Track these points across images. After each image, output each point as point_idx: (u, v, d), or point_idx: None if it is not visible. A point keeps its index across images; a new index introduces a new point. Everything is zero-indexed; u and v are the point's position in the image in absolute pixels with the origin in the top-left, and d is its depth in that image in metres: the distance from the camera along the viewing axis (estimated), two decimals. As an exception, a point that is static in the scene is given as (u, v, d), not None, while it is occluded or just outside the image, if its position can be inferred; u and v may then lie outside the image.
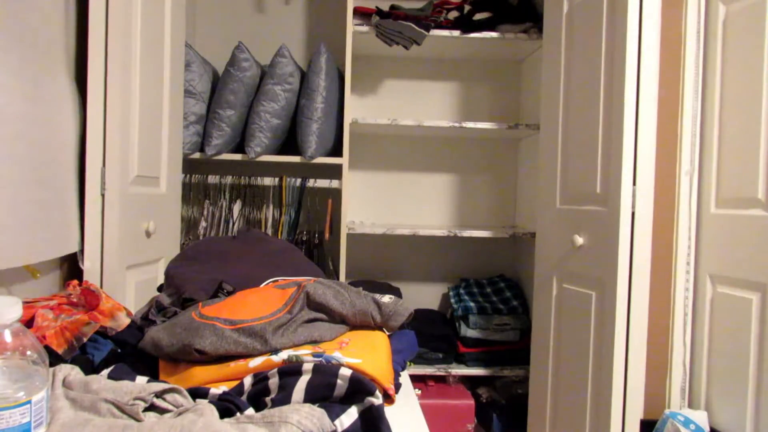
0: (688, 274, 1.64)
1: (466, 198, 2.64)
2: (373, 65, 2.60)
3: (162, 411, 0.65)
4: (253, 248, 1.19)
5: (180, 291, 1.00)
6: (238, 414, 0.65)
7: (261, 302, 0.90)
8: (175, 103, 1.80)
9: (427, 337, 2.27)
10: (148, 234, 1.60)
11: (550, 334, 1.90)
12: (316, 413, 0.62)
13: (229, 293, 1.03)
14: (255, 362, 0.78)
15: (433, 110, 2.62)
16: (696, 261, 1.64)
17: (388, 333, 0.95)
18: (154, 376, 0.80)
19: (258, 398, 0.70)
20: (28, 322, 0.84)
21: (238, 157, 2.24)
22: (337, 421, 0.64)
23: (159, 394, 0.65)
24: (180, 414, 0.63)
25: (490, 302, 2.33)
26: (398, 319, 0.92)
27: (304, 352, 0.78)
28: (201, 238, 2.30)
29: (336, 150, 2.31)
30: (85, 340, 0.83)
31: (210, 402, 0.66)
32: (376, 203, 2.63)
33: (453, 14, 2.30)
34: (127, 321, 0.92)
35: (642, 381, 1.56)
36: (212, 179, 2.29)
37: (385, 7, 2.30)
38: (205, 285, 1.02)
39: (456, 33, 2.23)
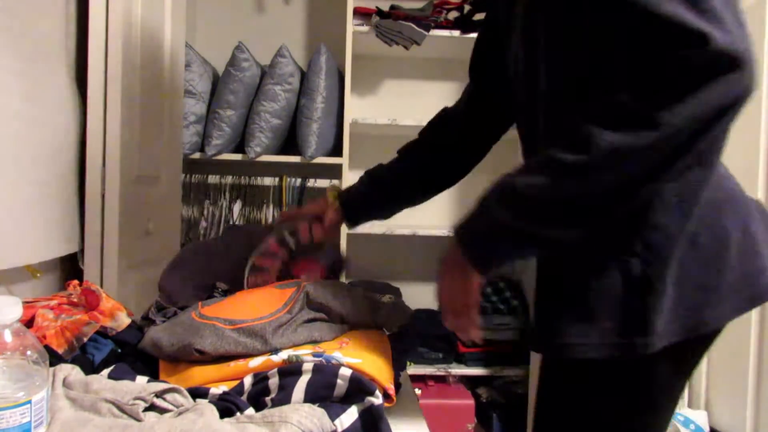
0: (688, 274, 1.64)
1: (466, 198, 2.64)
2: (373, 65, 2.60)
3: (162, 411, 0.65)
4: (239, 243, 1.18)
5: (173, 301, 1.01)
6: (238, 414, 0.65)
7: (261, 302, 0.90)
8: (175, 103, 1.80)
9: (427, 337, 2.27)
10: (148, 234, 1.60)
11: (550, 334, 1.89)
12: (316, 413, 0.62)
13: (225, 291, 1.03)
14: (255, 362, 0.78)
15: (433, 110, 2.59)
16: (696, 261, 1.64)
17: (388, 333, 0.95)
18: (154, 376, 0.80)
19: (258, 398, 0.70)
20: (28, 322, 0.84)
21: (238, 157, 2.24)
22: (337, 421, 0.64)
23: (159, 394, 0.65)
24: (180, 414, 0.63)
25: (489, 302, 2.33)
26: (398, 320, 0.92)
27: (304, 352, 0.78)
28: (201, 238, 2.30)
29: (336, 150, 2.31)
30: (85, 340, 0.83)
31: (210, 402, 0.66)
32: (376, 203, 2.63)
33: (453, 14, 2.30)
34: (127, 321, 0.92)
35: (642, 381, 1.56)
36: (212, 179, 2.29)
37: (385, 7, 2.30)
38: (196, 291, 1.02)
39: (456, 33, 2.23)
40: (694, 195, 0.72)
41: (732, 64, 0.60)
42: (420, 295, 2.64)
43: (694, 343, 0.76)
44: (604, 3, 0.68)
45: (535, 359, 2.01)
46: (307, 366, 0.72)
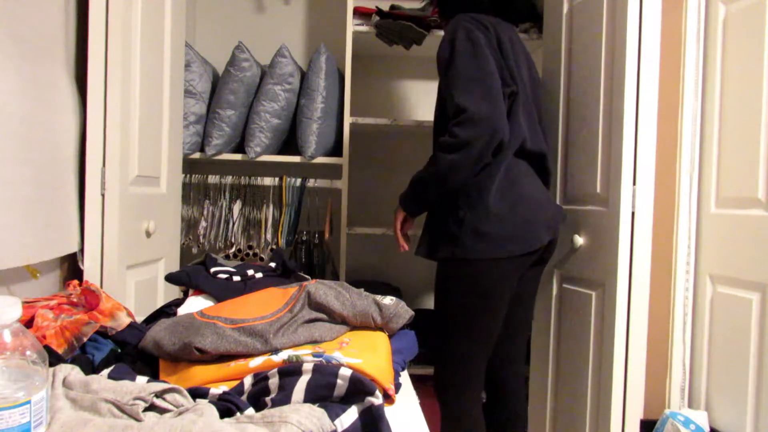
0: (688, 274, 1.64)
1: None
2: (373, 65, 2.61)
3: (162, 411, 0.65)
4: None
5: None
6: (238, 414, 0.65)
7: (262, 302, 0.90)
8: (175, 103, 1.80)
9: (427, 337, 2.26)
10: (148, 234, 1.60)
11: (550, 334, 1.90)
12: (316, 413, 0.62)
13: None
14: (255, 362, 0.78)
15: (433, 110, 2.62)
16: (696, 261, 1.64)
17: (388, 333, 0.95)
18: (154, 376, 0.80)
19: (258, 398, 0.70)
20: (28, 322, 0.84)
21: (238, 157, 2.24)
22: (337, 421, 0.64)
23: (159, 394, 0.65)
24: (180, 414, 0.63)
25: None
26: (399, 321, 0.92)
27: (305, 352, 0.78)
28: (201, 238, 2.30)
29: (336, 150, 2.31)
30: (85, 339, 0.83)
31: (210, 402, 0.66)
32: (376, 203, 2.63)
33: (453, 14, 2.30)
34: (127, 321, 0.92)
35: (642, 381, 1.56)
36: (212, 179, 2.29)
37: (385, 7, 2.30)
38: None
39: (456, 33, 2.23)
40: (484, 187, 1.45)
41: (474, 119, 1.38)
42: (420, 295, 2.64)
43: (494, 264, 1.44)
44: (442, 87, 1.55)
45: (535, 360, 2.02)
46: (307, 366, 0.72)
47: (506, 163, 1.48)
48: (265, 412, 0.62)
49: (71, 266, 1.42)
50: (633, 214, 1.53)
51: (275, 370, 0.73)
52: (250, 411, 0.66)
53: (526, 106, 1.55)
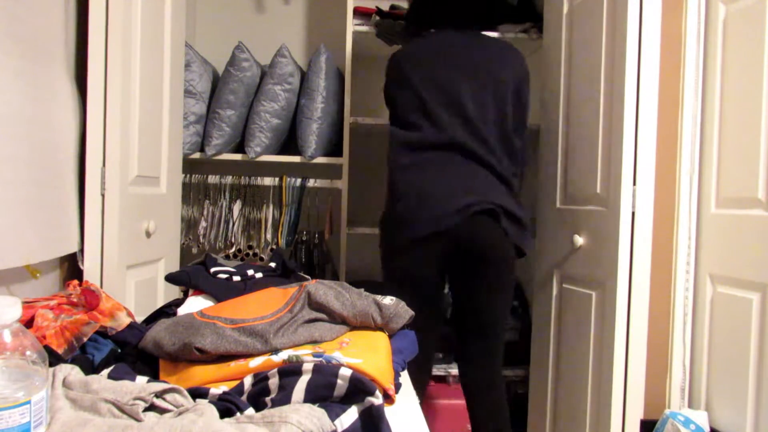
0: (688, 274, 1.64)
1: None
2: (373, 65, 2.60)
3: (162, 411, 0.65)
4: None
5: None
6: (238, 414, 0.65)
7: (262, 302, 0.90)
8: (175, 103, 1.80)
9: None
10: (148, 234, 1.60)
11: (550, 334, 1.90)
12: (316, 413, 0.62)
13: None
14: (255, 362, 0.78)
15: (433, 110, 2.61)
16: (696, 261, 1.64)
17: (388, 333, 0.95)
18: (154, 376, 0.80)
19: (258, 398, 0.70)
20: (28, 322, 0.84)
21: (238, 157, 2.24)
22: (337, 421, 0.64)
23: (159, 394, 0.65)
24: (180, 414, 0.63)
25: (490, 302, 2.33)
26: (399, 321, 0.92)
27: (305, 352, 0.78)
28: (201, 238, 2.30)
29: (336, 150, 2.31)
30: (85, 340, 0.83)
31: (210, 402, 0.66)
32: (376, 203, 2.63)
33: (453, 14, 2.30)
34: (127, 321, 0.91)
35: (642, 381, 1.56)
36: (212, 179, 2.29)
37: (385, 7, 2.30)
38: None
39: (456, 33, 2.23)
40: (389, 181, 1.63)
41: None
42: (420, 295, 2.63)
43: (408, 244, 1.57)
44: None
45: (535, 360, 2.02)
46: (307, 366, 0.72)
47: (401, 161, 1.60)
48: (265, 412, 0.62)
49: (71, 266, 1.42)
50: (633, 214, 1.53)
51: (275, 370, 0.73)
52: (250, 411, 0.66)
53: (425, 105, 1.60)
